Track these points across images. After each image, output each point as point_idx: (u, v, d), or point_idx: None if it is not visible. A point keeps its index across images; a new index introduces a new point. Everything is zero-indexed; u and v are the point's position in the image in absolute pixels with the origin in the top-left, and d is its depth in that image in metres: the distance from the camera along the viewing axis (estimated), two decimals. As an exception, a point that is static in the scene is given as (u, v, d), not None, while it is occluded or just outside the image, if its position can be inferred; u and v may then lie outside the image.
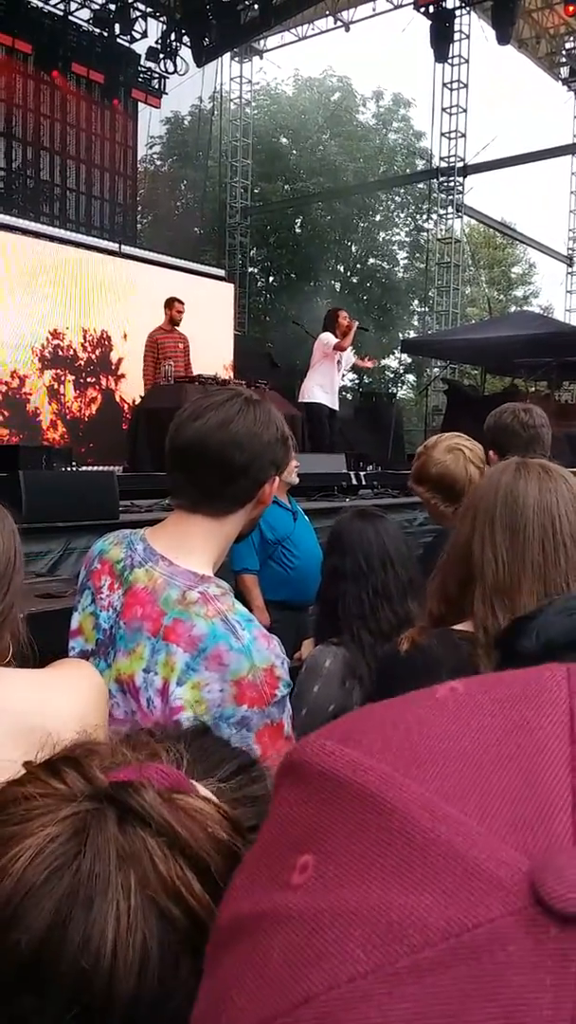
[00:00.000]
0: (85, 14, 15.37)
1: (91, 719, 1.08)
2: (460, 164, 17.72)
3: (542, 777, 0.26)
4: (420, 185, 23.37)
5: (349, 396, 19.47)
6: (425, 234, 24.89)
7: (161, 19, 15.92)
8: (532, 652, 0.70)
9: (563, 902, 0.21)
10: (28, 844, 0.44)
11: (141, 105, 17.11)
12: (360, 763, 0.28)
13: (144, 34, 15.82)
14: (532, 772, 0.26)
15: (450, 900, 0.23)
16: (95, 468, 8.38)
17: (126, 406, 11.74)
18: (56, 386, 11.30)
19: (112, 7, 15.12)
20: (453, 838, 0.25)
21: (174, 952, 0.43)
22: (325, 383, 8.77)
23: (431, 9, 15.08)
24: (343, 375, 9.08)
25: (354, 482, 8.03)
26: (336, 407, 9.06)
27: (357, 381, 26.19)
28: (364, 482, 8.18)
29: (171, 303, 9.02)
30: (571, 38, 18.97)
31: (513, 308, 28.21)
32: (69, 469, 6.06)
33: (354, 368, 9.38)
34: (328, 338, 8.59)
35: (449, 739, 0.29)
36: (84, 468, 8.18)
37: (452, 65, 16.98)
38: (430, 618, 1.47)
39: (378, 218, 27.46)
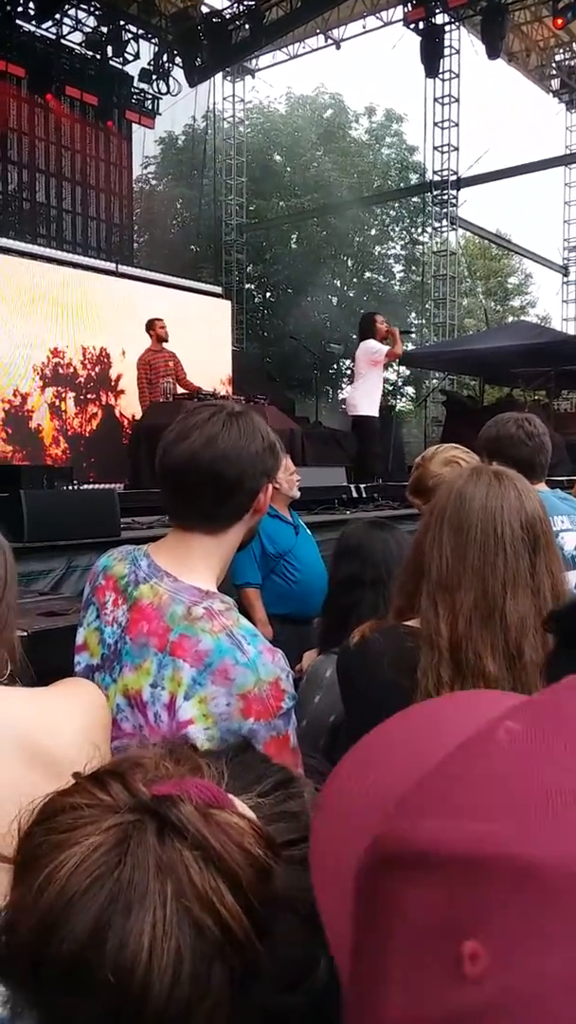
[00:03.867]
0: (77, 37, 15.53)
1: (92, 736, 1.08)
2: (453, 177, 17.82)
3: None
4: (414, 199, 23.56)
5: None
6: (420, 247, 25.04)
7: (153, 41, 16.05)
8: None
9: None
10: (73, 852, 0.47)
11: (135, 126, 17.24)
12: (482, 834, 0.28)
13: (136, 56, 15.98)
14: None
15: None
16: (96, 486, 8.39)
17: (126, 421, 11.80)
18: (57, 403, 11.37)
19: (104, 30, 15.25)
20: None
21: (206, 959, 0.45)
22: (374, 392, 8.52)
23: (420, 25, 15.19)
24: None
25: (355, 495, 8.03)
26: (377, 414, 8.78)
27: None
28: (364, 495, 8.18)
29: (152, 324, 9.07)
30: (561, 50, 19.13)
31: (510, 318, 28.29)
32: (70, 488, 6.08)
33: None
34: (376, 346, 8.22)
35: (537, 779, 0.29)
36: (85, 486, 8.19)
37: (443, 80, 17.11)
38: (394, 611, 1.50)
39: (373, 232, 27.60)
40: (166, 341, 9.11)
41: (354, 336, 8.73)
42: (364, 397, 8.50)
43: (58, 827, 0.49)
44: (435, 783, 0.33)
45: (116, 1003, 0.43)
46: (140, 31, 15.78)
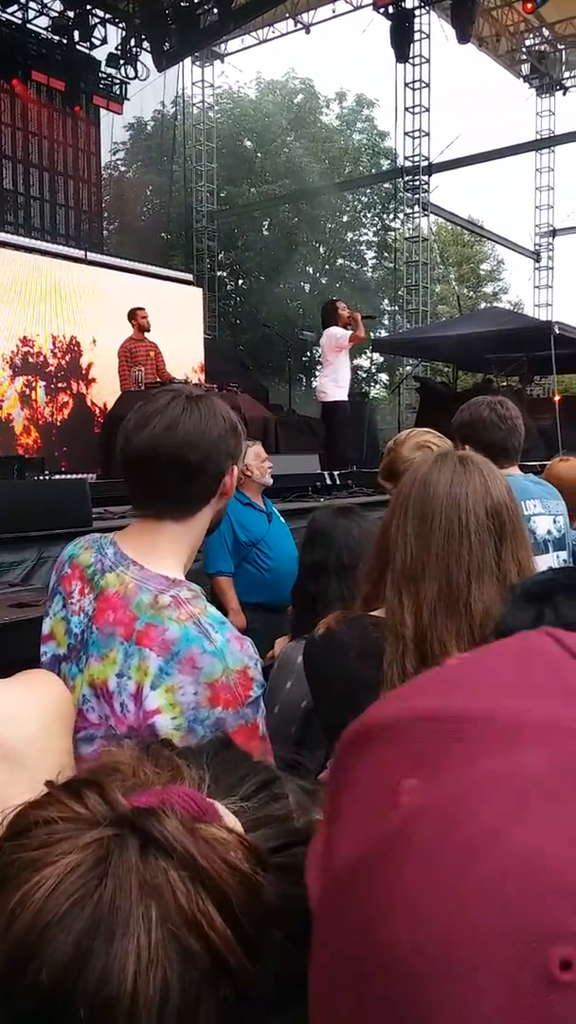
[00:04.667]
0: (43, 22, 15.30)
1: (54, 728, 1.06)
2: (425, 163, 17.80)
3: (562, 667, 0.34)
4: (386, 185, 23.53)
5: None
6: (392, 233, 25.05)
7: (120, 25, 15.86)
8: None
9: None
10: (49, 873, 0.43)
11: (103, 111, 17.04)
12: (425, 704, 0.35)
13: (104, 40, 15.77)
14: (553, 667, 0.34)
15: (547, 733, 0.30)
16: (67, 476, 8.33)
17: (97, 410, 11.72)
18: (28, 392, 11.24)
19: (70, 15, 15.05)
20: (524, 714, 0.31)
21: (194, 987, 0.42)
22: (341, 378, 8.55)
23: (390, 9, 15.13)
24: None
25: (328, 482, 8.03)
26: (346, 397, 8.81)
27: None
28: (338, 481, 8.18)
29: (134, 313, 9.11)
30: (531, 35, 19.14)
31: (483, 305, 28.37)
32: (41, 478, 6.02)
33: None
34: (339, 332, 8.25)
35: (475, 671, 0.37)
36: (56, 476, 8.12)
37: (413, 65, 17.06)
38: (361, 600, 1.48)
39: (345, 219, 27.56)
40: (148, 331, 9.13)
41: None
42: (332, 383, 8.53)
43: (31, 843, 0.45)
44: (398, 689, 0.39)
45: None
46: (107, 15, 15.57)
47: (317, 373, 9.72)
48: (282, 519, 4.14)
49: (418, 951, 0.28)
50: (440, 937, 0.28)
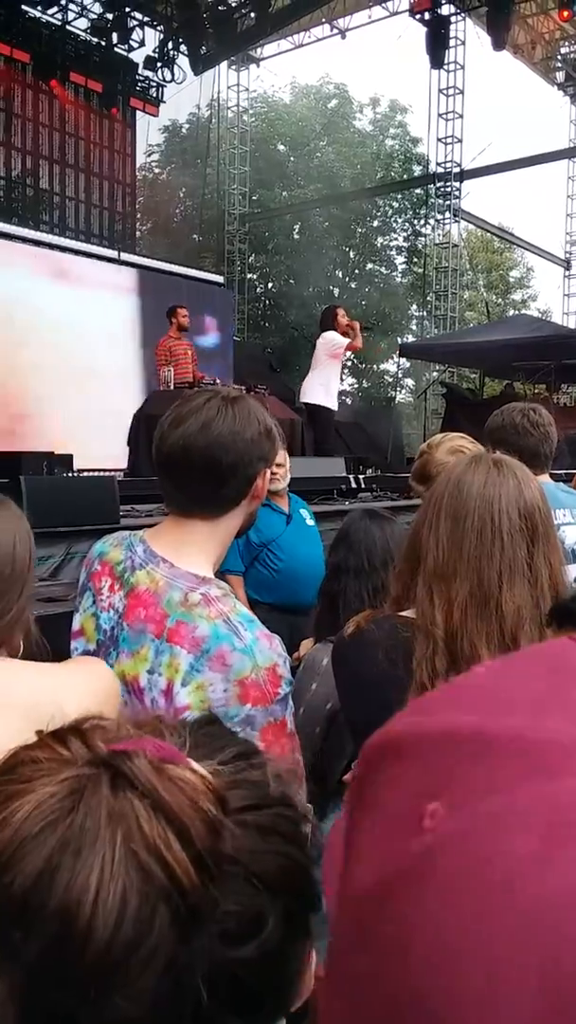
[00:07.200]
0: (83, 24, 15.48)
1: (104, 712, 1.09)
2: (457, 169, 17.76)
3: None
4: (417, 190, 23.45)
5: (348, 400, 19.51)
6: (423, 239, 24.94)
7: (158, 28, 15.98)
8: None
9: None
10: (28, 799, 0.49)
11: (139, 113, 17.20)
12: (454, 720, 0.34)
13: (141, 43, 15.93)
14: None
15: None
16: (96, 473, 8.38)
17: (127, 411, 11.81)
18: (59, 389, 11.33)
19: (109, 17, 15.19)
20: (558, 736, 0.30)
21: (151, 902, 0.47)
22: (329, 384, 8.35)
23: (426, 16, 15.13)
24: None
25: (353, 485, 8.03)
26: (335, 407, 8.61)
27: (356, 385, 26.27)
28: (363, 485, 8.18)
29: (174, 311, 8.92)
30: (566, 43, 19.03)
31: (511, 312, 28.23)
32: (70, 475, 6.08)
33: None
34: (337, 338, 8.07)
35: (502, 683, 0.36)
36: (85, 473, 8.19)
37: (448, 71, 17.05)
38: (391, 601, 1.49)
39: (376, 224, 27.51)
40: (186, 330, 8.96)
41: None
42: (319, 387, 8.29)
43: (17, 778, 0.51)
44: (422, 698, 0.39)
45: (61, 940, 0.46)
46: (145, 18, 15.71)
47: (346, 377, 9.58)
48: (309, 521, 4.14)
49: (434, 990, 0.27)
50: (460, 977, 0.26)
